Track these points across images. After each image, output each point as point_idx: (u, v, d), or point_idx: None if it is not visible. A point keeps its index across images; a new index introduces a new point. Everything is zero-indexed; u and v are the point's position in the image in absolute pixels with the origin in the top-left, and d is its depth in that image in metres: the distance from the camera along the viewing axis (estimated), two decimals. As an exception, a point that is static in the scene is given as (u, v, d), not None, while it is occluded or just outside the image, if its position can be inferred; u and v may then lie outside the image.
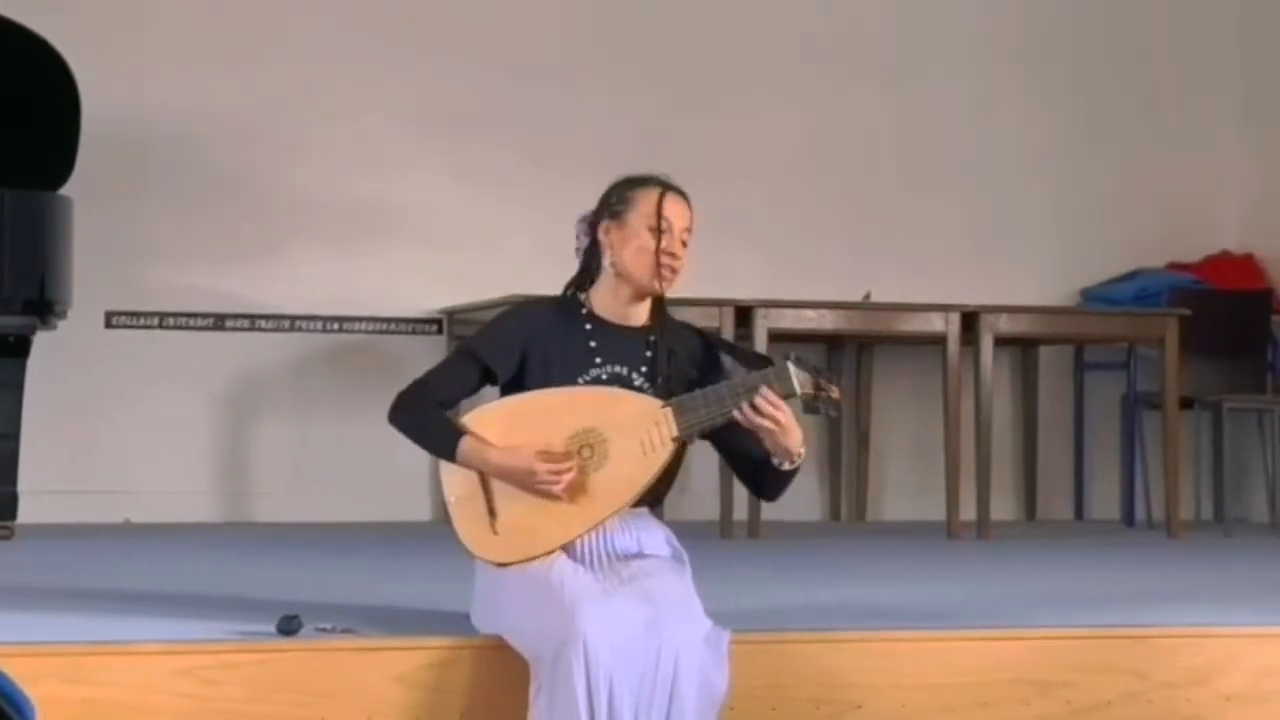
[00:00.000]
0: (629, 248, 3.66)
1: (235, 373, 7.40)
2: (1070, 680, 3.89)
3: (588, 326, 3.71)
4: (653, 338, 3.72)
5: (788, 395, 3.57)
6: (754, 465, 3.71)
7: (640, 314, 3.73)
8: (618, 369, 3.69)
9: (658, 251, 3.63)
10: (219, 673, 3.50)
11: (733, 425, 3.59)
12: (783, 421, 3.55)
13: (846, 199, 8.06)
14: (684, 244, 3.67)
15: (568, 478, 3.55)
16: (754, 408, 3.54)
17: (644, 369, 3.69)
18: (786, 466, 3.63)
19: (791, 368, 3.58)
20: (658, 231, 3.64)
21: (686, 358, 3.72)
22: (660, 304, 3.75)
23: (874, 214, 8.09)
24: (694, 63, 7.93)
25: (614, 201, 3.71)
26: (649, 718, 3.36)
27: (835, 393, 3.59)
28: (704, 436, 3.68)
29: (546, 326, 3.71)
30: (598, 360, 3.68)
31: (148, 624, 3.89)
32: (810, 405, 3.60)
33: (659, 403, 3.60)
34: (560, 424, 3.59)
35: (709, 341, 3.78)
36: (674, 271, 3.65)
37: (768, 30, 8.02)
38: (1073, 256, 8.27)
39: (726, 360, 3.80)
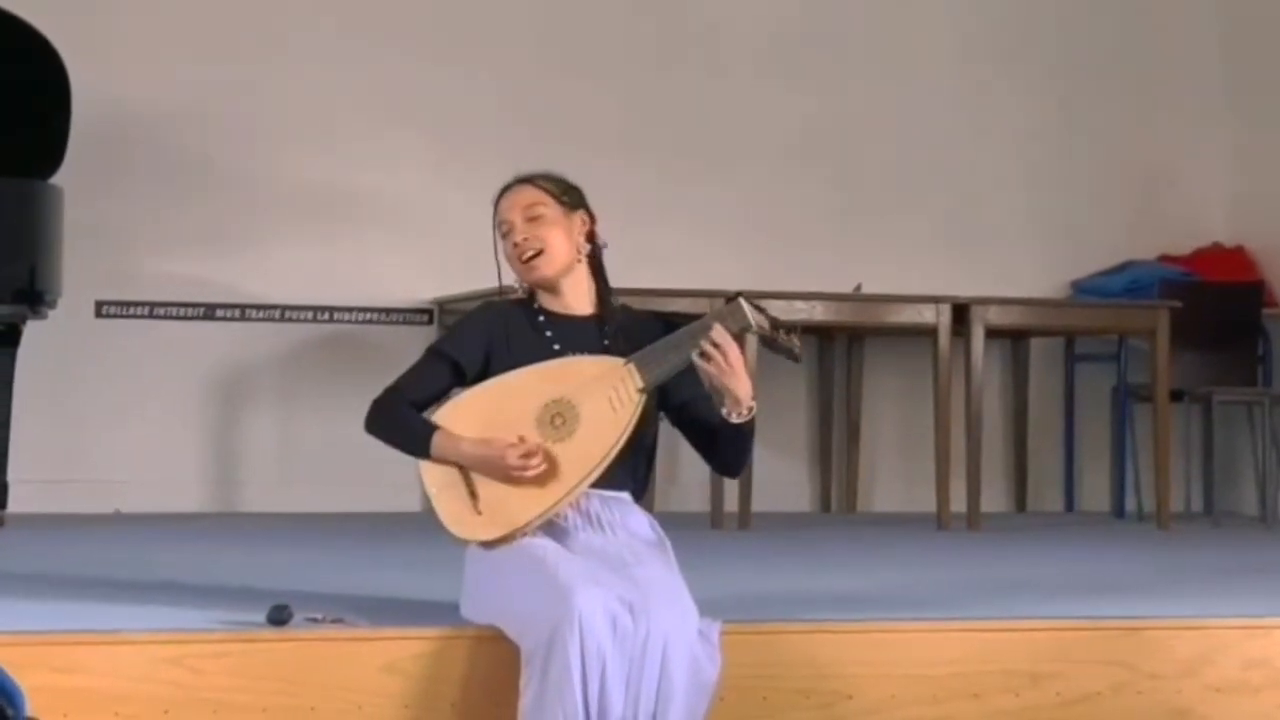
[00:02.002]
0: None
1: (225, 363, 7.40)
2: (1060, 671, 3.90)
3: (541, 319, 3.83)
4: (607, 327, 3.80)
5: (742, 329, 3.64)
6: (710, 429, 3.76)
7: (581, 302, 3.85)
8: (578, 357, 3.76)
9: (512, 251, 3.80)
10: (208, 662, 3.50)
11: (691, 377, 3.66)
12: (731, 359, 3.58)
13: (837, 190, 8.06)
14: (533, 219, 3.80)
15: (540, 468, 3.61)
16: (705, 349, 3.59)
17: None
18: (735, 418, 3.65)
19: (745, 304, 3.64)
20: (504, 236, 3.83)
21: (648, 341, 3.75)
22: (600, 290, 3.84)
23: (864, 205, 8.09)
24: (682, 54, 7.93)
25: None
26: (637, 704, 3.38)
27: (795, 341, 3.67)
28: (666, 406, 3.76)
29: (508, 323, 3.83)
30: (556, 348, 3.78)
31: (137, 613, 3.89)
32: (768, 340, 3.68)
33: (620, 360, 3.69)
34: (530, 400, 3.68)
35: (670, 323, 3.81)
36: (536, 254, 3.77)
37: (757, 22, 8.02)
38: (1063, 249, 8.28)
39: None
